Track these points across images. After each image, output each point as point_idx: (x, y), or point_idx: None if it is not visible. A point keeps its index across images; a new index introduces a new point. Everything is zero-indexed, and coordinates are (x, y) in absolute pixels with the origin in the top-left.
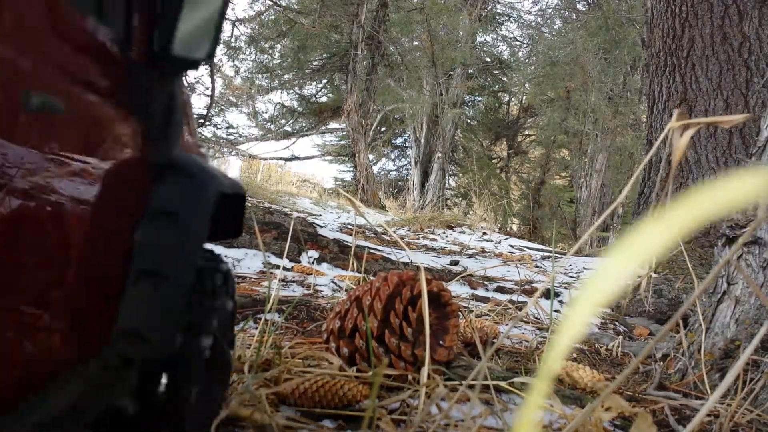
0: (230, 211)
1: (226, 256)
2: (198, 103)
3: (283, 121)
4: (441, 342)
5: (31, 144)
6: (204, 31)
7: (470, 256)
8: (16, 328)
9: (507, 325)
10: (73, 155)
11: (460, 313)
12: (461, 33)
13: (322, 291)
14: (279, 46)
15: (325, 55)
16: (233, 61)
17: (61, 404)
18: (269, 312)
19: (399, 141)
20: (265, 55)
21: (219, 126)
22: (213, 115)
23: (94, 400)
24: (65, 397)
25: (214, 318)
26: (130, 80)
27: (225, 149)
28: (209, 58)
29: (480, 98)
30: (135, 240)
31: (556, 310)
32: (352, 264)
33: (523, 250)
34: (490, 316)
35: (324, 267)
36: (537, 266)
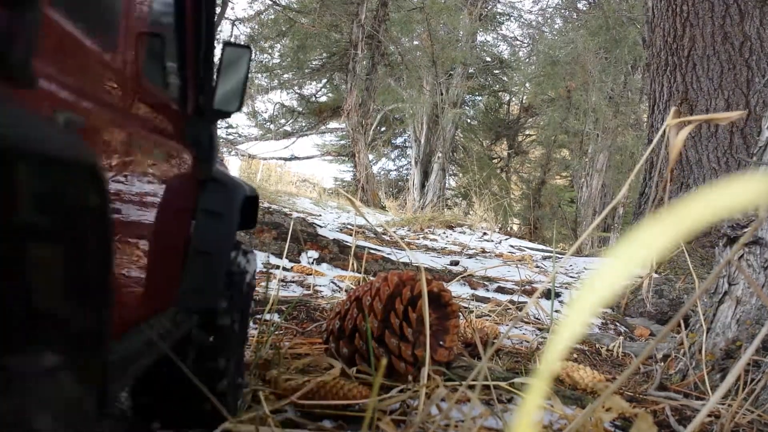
0: (249, 208)
1: None
2: None
3: (282, 120)
4: (441, 342)
5: (142, 171)
6: (234, 93)
7: (470, 257)
8: (142, 284)
9: (507, 325)
10: (157, 175)
11: (460, 313)
12: (461, 32)
13: (321, 291)
14: (278, 46)
15: (324, 54)
16: None
17: (156, 334)
18: (269, 312)
19: (399, 141)
20: (265, 55)
21: (218, 126)
22: None
23: (174, 333)
24: (159, 329)
25: (245, 283)
26: (187, 126)
27: (224, 149)
28: (238, 110)
29: (480, 98)
30: (192, 229)
31: (557, 311)
32: (352, 264)
33: (524, 251)
34: (490, 316)
35: (324, 267)
36: (537, 266)
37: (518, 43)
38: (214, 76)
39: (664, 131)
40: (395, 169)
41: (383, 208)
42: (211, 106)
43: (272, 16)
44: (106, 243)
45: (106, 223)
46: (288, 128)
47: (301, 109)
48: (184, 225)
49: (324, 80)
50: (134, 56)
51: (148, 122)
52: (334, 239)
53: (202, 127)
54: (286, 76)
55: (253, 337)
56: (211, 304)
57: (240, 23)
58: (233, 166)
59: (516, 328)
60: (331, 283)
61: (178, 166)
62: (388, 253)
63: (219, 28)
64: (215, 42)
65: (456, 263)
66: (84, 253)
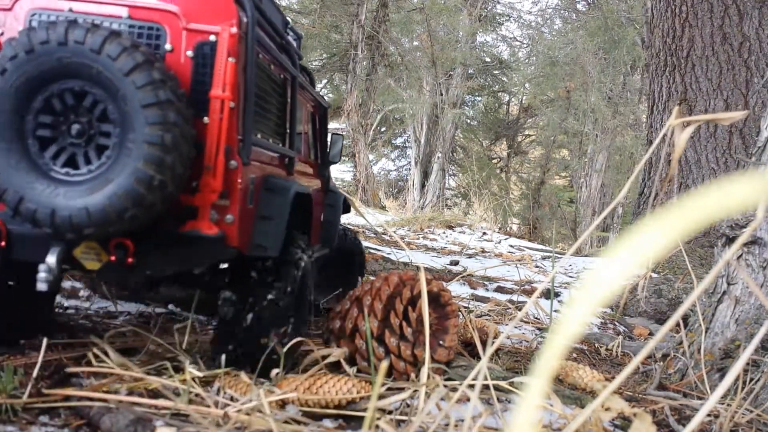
0: (346, 205)
1: None
2: None
3: None
4: (441, 342)
5: (315, 188)
6: (336, 152)
7: (470, 256)
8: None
9: (507, 325)
10: (316, 189)
11: (460, 313)
12: (461, 33)
13: None
14: None
15: (325, 55)
16: None
17: (317, 251)
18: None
19: (399, 141)
20: None
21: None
22: None
23: (320, 254)
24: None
25: (356, 253)
26: (320, 168)
27: None
28: (339, 160)
29: (480, 98)
30: (325, 214)
31: (556, 310)
32: None
33: (523, 250)
34: (490, 316)
35: None
36: (537, 266)
37: (518, 43)
38: (329, 147)
39: (665, 132)
40: (395, 169)
41: (383, 208)
42: (328, 160)
43: None
44: (311, 216)
45: (311, 209)
46: None
47: None
48: (322, 210)
49: (324, 81)
50: (306, 144)
51: (311, 169)
52: None
53: (325, 168)
54: None
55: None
56: (332, 245)
57: None
58: None
59: (516, 327)
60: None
61: (320, 185)
62: (388, 253)
63: None
64: (327, 131)
65: (456, 263)
66: (309, 218)
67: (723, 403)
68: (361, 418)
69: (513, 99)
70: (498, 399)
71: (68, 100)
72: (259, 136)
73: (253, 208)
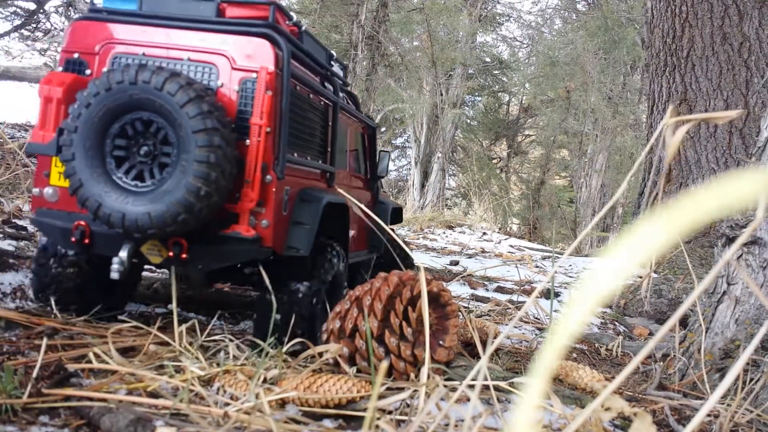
0: (397, 213)
1: None
2: None
3: None
4: (441, 342)
5: (363, 200)
6: (384, 168)
7: (470, 256)
8: (362, 239)
9: (507, 325)
10: (364, 201)
11: (460, 313)
12: (461, 33)
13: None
14: None
15: None
16: None
17: (365, 255)
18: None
19: (399, 141)
20: None
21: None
22: None
23: (368, 257)
24: (366, 255)
25: (404, 258)
26: (370, 182)
27: None
28: (387, 175)
29: (480, 98)
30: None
31: (556, 310)
32: None
33: (523, 250)
34: (490, 316)
35: None
36: (537, 266)
37: (518, 43)
38: (377, 163)
39: (660, 132)
40: (395, 169)
41: None
42: (376, 174)
43: None
44: (347, 223)
45: (347, 217)
46: None
47: None
48: (365, 220)
49: None
50: (354, 161)
51: (361, 183)
52: None
53: (374, 182)
54: None
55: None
56: (379, 250)
57: None
58: None
59: (516, 327)
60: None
61: (369, 197)
62: None
63: None
64: (375, 149)
65: (456, 263)
66: (345, 225)
67: (723, 403)
68: (361, 417)
69: (513, 99)
70: (498, 399)
71: (138, 127)
72: (295, 155)
73: (288, 215)
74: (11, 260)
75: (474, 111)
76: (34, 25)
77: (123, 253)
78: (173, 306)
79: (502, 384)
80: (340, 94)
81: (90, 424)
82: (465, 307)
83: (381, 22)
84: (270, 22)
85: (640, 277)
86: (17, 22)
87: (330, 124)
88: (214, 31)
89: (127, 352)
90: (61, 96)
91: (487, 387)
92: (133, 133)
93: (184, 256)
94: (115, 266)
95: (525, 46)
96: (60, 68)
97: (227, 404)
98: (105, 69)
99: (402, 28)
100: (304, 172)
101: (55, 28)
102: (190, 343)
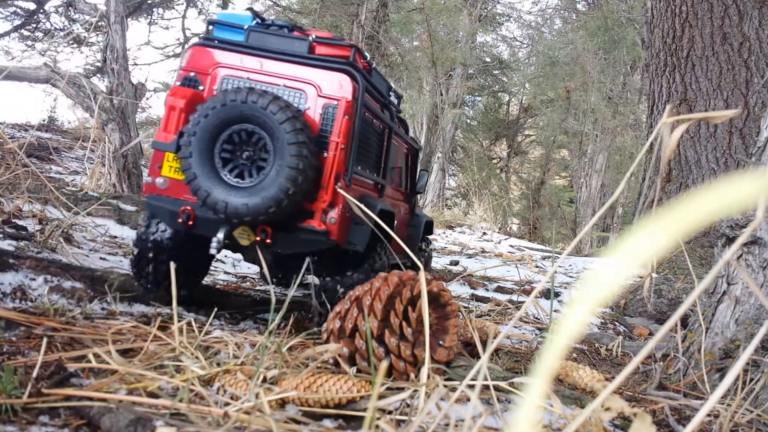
0: (429, 226)
1: (226, 256)
2: None
3: None
4: (441, 342)
5: (403, 211)
6: (423, 184)
7: (470, 256)
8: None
9: (507, 324)
10: (403, 212)
11: (460, 313)
12: (461, 33)
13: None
14: None
15: None
16: None
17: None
18: (269, 312)
19: None
20: None
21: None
22: None
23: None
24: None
25: (428, 249)
26: (409, 197)
27: None
28: (425, 190)
29: (480, 98)
30: (408, 230)
31: (556, 310)
32: None
33: (523, 250)
34: (490, 316)
35: None
36: (537, 266)
37: (518, 43)
38: (417, 180)
39: (657, 132)
40: None
41: None
42: (415, 189)
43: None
44: (393, 226)
45: (393, 222)
46: None
47: None
48: (406, 227)
49: None
50: (398, 176)
51: (401, 196)
52: None
53: (412, 196)
54: None
55: (255, 336)
56: (414, 251)
57: None
58: None
59: (516, 327)
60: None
61: (407, 209)
62: None
63: None
64: (417, 168)
65: (456, 263)
66: (391, 227)
67: (723, 403)
68: (361, 417)
69: (513, 99)
70: (498, 399)
71: (243, 137)
72: (359, 168)
73: (350, 216)
74: (11, 260)
75: (474, 111)
76: (34, 25)
77: (220, 235)
78: (173, 306)
79: (502, 384)
80: (395, 120)
81: (90, 424)
82: (465, 307)
83: (381, 22)
84: (350, 61)
85: (641, 277)
86: (17, 22)
87: (385, 145)
88: (306, 65)
89: (127, 352)
90: (183, 106)
91: (487, 387)
92: (239, 140)
93: (268, 241)
94: (213, 244)
95: (525, 46)
96: (178, 83)
97: (227, 404)
98: (215, 87)
99: (402, 28)
100: (364, 183)
101: (55, 28)
102: (190, 343)
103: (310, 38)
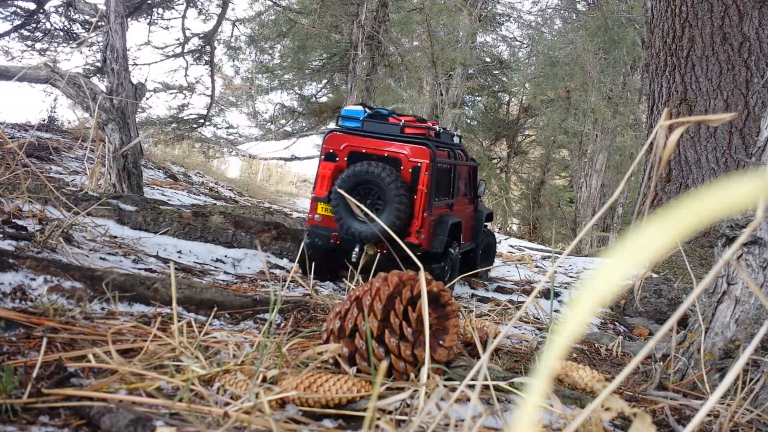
0: (489, 216)
1: (226, 256)
2: (198, 103)
3: (283, 121)
4: (441, 342)
5: (469, 212)
6: (482, 190)
7: None
8: (469, 234)
9: (507, 324)
10: (469, 211)
11: (460, 313)
12: (461, 33)
13: (322, 291)
14: (279, 46)
15: (325, 55)
16: (233, 61)
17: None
18: (269, 312)
19: None
20: (265, 55)
21: (219, 126)
22: (213, 115)
23: (473, 247)
24: (470, 245)
25: (492, 243)
26: (473, 200)
27: (225, 149)
28: (484, 194)
29: (480, 98)
30: (473, 222)
31: (556, 310)
32: None
33: (523, 250)
34: (490, 316)
35: None
36: (537, 266)
37: (518, 43)
38: (477, 187)
39: (655, 134)
40: None
41: None
42: (477, 194)
43: (273, 17)
44: (461, 230)
45: (461, 227)
46: (288, 129)
47: (301, 110)
48: (471, 221)
49: (324, 81)
50: (465, 187)
51: (467, 200)
52: None
53: (475, 199)
54: (286, 76)
55: (255, 336)
56: (477, 241)
57: (240, 24)
58: (234, 166)
59: (516, 327)
60: (332, 283)
61: (472, 209)
62: None
63: (220, 29)
64: (477, 178)
65: None
66: (459, 231)
67: (723, 403)
68: (361, 418)
69: (513, 99)
70: (498, 399)
71: (367, 190)
72: (436, 199)
73: (433, 231)
74: (11, 260)
75: (474, 111)
76: (34, 25)
77: (357, 249)
78: (173, 306)
79: (502, 384)
80: (457, 152)
81: (90, 424)
82: (465, 307)
83: (381, 22)
84: (427, 136)
85: (637, 278)
86: (17, 22)
87: (452, 175)
88: (400, 141)
89: (127, 352)
90: (330, 174)
91: (487, 387)
92: (364, 193)
93: (384, 251)
94: (354, 253)
95: (525, 46)
96: (323, 157)
97: (227, 404)
98: (345, 158)
99: (402, 28)
100: (440, 206)
101: (55, 28)
102: (190, 343)
103: (401, 123)
